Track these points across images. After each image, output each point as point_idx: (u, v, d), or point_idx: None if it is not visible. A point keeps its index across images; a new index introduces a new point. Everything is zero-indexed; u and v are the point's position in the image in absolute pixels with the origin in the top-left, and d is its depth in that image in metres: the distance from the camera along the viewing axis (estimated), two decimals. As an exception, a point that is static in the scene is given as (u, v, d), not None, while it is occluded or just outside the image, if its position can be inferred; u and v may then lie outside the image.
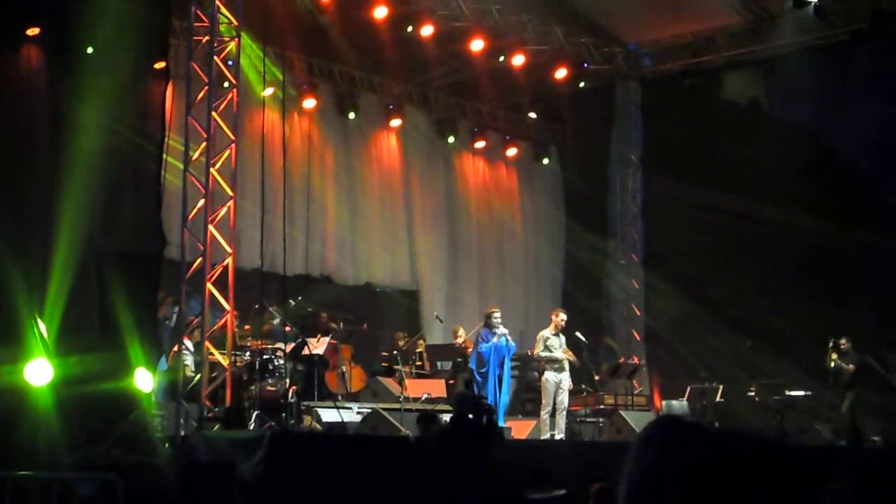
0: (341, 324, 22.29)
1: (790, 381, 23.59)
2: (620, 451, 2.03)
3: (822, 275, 24.58)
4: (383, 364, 23.59)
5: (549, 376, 20.94)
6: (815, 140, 25.54)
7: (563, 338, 21.29)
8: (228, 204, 17.98)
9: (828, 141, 25.60)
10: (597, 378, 23.85)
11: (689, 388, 23.78)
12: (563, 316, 21.44)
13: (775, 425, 21.82)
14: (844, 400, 21.91)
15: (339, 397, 20.88)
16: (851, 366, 21.84)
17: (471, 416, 14.30)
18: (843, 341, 21.96)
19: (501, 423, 19.92)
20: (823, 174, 24.97)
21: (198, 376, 17.58)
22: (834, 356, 21.88)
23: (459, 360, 22.83)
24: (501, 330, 20.68)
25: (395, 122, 27.12)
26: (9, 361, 13.89)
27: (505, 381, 20.66)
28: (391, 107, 27.08)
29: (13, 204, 15.25)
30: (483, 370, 20.38)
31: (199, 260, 17.66)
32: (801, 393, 22.74)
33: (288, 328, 20.25)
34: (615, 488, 2.09)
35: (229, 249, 17.84)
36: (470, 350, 22.41)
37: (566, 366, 21.12)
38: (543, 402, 21.04)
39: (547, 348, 21.04)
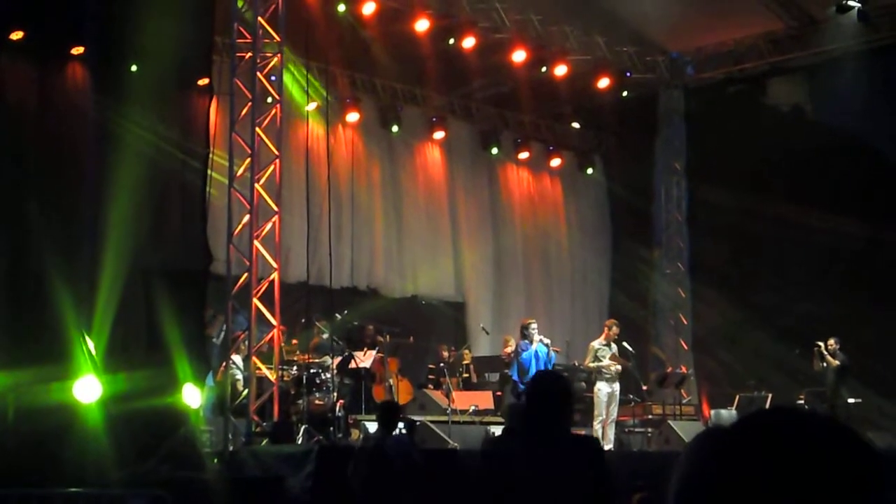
0: (388, 337, 22.28)
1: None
2: (669, 462, 2.01)
3: (871, 281, 24.39)
4: (430, 376, 23.56)
5: (602, 387, 20.88)
6: (861, 145, 25.32)
7: (614, 348, 21.23)
8: (273, 219, 18.05)
9: (874, 145, 25.37)
10: (644, 388, 23.74)
11: (737, 397, 23.63)
12: (615, 329, 21.40)
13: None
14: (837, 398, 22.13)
15: (387, 410, 20.83)
16: (836, 362, 21.98)
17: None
18: (831, 342, 22.18)
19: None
20: (870, 179, 24.77)
21: (245, 391, 17.64)
22: (826, 354, 22.17)
23: (507, 371, 22.75)
24: (541, 339, 20.63)
25: (439, 135, 27.11)
26: (58, 379, 14.00)
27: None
28: (434, 119, 27.08)
29: (60, 221, 15.37)
30: (526, 379, 20.28)
31: (245, 275, 17.72)
32: (852, 400, 22.54)
33: (334, 341, 20.25)
34: (656, 498, 2.07)
35: (275, 264, 17.91)
36: (515, 361, 22.45)
37: (617, 376, 21.07)
38: (595, 412, 20.96)
39: (597, 359, 21.00)
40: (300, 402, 18.16)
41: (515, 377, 20.47)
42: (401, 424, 15.28)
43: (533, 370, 20.13)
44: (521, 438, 7.12)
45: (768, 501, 1.81)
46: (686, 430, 20.80)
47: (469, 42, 24.21)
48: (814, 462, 1.84)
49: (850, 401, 22.36)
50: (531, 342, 20.44)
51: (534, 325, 20.80)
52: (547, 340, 20.71)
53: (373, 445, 13.69)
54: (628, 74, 27.66)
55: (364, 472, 13.27)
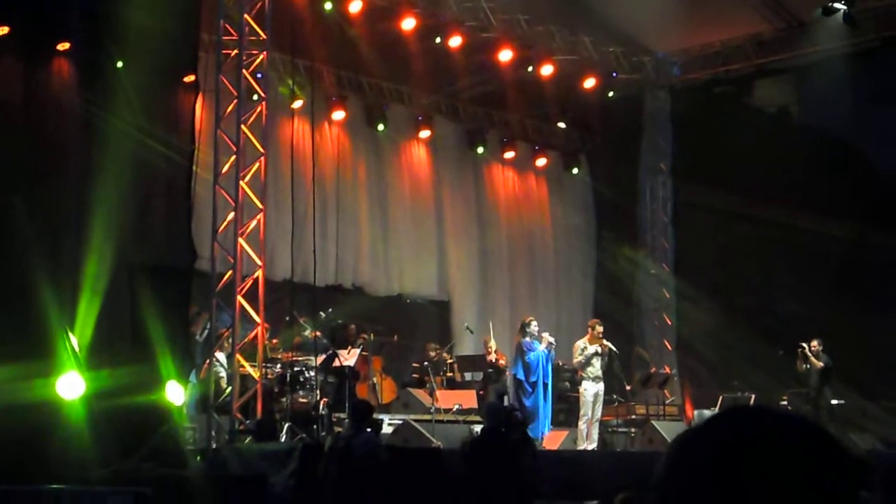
0: (372, 335, 22.27)
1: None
2: (652, 462, 2.01)
3: (856, 282, 24.45)
4: (414, 375, 23.54)
5: (588, 386, 20.89)
6: (847, 147, 25.40)
7: (598, 347, 21.25)
8: (258, 216, 18.02)
9: (859, 147, 25.46)
10: (628, 388, 23.77)
11: (721, 398, 23.63)
12: (599, 328, 21.38)
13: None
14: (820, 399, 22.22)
15: (371, 409, 20.81)
16: (820, 363, 22.05)
17: (503, 428, 14.23)
18: (814, 343, 22.27)
19: (546, 431, 20.03)
20: (855, 181, 24.82)
21: (229, 389, 17.61)
22: (809, 356, 22.24)
23: (490, 370, 22.77)
24: (548, 338, 20.69)
25: (425, 134, 27.08)
26: (41, 375, 13.94)
27: (549, 389, 20.66)
28: (420, 118, 27.05)
29: (45, 216, 15.31)
30: (532, 379, 20.32)
31: (230, 273, 17.69)
32: (835, 402, 22.59)
33: (317, 335, 20.18)
34: (638, 498, 2.08)
35: (259, 262, 17.88)
36: (500, 361, 22.45)
37: (602, 376, 21.07)
38: (581, 411, 20.98)
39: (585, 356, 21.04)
40: (284, 400, 18.16)
41: (521, 376, 20.46)
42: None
43: (540, 370, 20.23)
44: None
45: (746, 502, 1.82)
46: (669, 431, 20.84)
47: (455, 41, 24.23)
48: (789, 462, 1.87)
49: (834, 402, 22.43)
50: (538, 341, 20.48)
51: (535, 323, 20.84)
52: (552, 339, 20.78)
53: (342, 445, 13.71)
54: (614, 75, 27.72)
55: (334, 471, 13.29)
